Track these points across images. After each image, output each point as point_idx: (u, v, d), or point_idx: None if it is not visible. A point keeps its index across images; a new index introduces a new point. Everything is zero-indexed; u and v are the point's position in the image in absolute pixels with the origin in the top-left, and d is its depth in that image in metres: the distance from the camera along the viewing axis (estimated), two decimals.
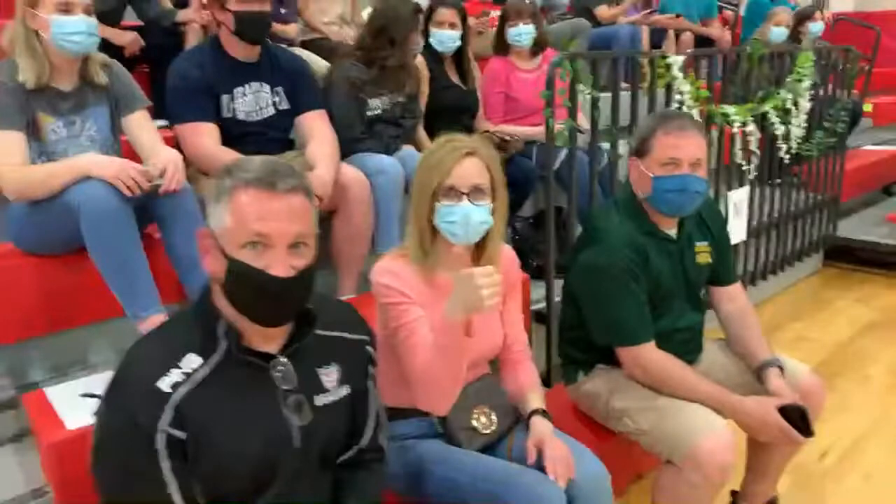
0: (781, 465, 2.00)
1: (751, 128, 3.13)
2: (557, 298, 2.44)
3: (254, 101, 2.33)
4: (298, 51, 3.06)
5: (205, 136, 2.20)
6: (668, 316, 1.86)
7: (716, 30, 5.36)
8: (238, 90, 2.30)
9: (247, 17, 2.23)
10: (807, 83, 3.46)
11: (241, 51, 2.30)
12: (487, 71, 3.16)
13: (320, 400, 1.25)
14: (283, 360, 1.21)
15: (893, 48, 6.17)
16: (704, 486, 1.68)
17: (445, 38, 2.90)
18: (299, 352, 1.22)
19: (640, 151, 1.81)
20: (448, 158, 1.49)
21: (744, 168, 3.24)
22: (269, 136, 2.39)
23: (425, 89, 2.85)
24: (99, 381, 1.86)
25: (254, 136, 2.34)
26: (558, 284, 2.43)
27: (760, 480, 1.99)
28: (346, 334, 1.32)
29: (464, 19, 2.92)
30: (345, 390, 1.30)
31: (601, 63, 2.63)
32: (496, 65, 3.15)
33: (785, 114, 3.40)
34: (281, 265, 1.11)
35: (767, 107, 3.27)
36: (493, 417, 1.64)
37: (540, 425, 1.58)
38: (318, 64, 3.04)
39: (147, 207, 1.91)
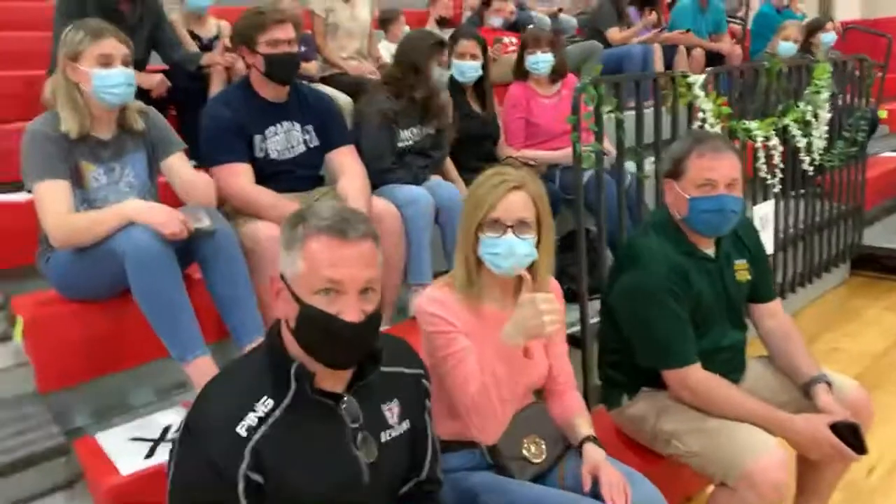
0: (833, 483, 1.97)
1: (773, 141, 3.14)
2: (591, 321, 2.45)
3: (285, 140, 2.37)
4: (319, 87, 3.12)
5: (241, 177, 2.24)
6: (710, 335, 1.85)
7: (726, 45, 5.39)
8: (270, 130, 2.34)
9: (276, 59, 2.28)
10: (825, 94, 3.47)
11: (271, 91, 2.34)
12: (508, 97, 3.20)
13: (385, 436, 1.27)
14: (347, 398, 1.22)
15: None
16: None
17: (467, 68, 2.95)
18: (364, 389, 1.24)
19: (675, 173, 1.83)
20: (495, 191, 1.51)
21: (768, 182, 3.24)
22: (300, 174, 2.42)
23: (453, 121, 2.89)
24: (146, 425, 1.88)
25: (285, 175, 2.37)
26: (591, 307, 2.45)
27: (812, 499, 1.96)
28: (404, 369, 1.34)
29: (484, 50, 2.97)
30: (406, 425, 1.31)
31: (624, 86, 2.65)
32: (517, 90, 3.19)
33: (805, 126, 3.40)
34: (353, 311, 1.14)
35: (788, 120, 3.28)
36: (543, 446, 1.64)
37: (594, 452, 1.57)
38: (340, 99, 3.09)
39: (189, 249, 1.94)
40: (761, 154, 3.16)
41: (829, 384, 1.84)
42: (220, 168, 2.24)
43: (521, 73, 3.21)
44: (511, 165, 1.70)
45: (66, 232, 1.87)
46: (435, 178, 2.74)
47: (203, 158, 2.32)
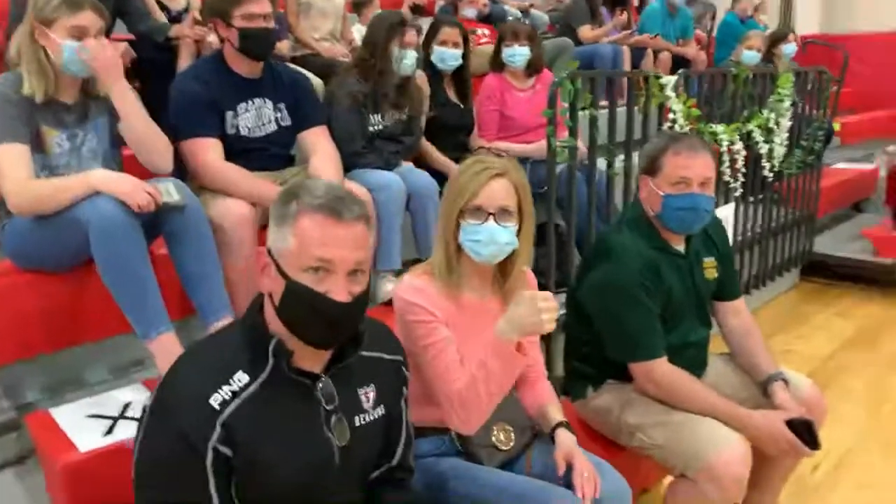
0: (785, 477, 2.04)
1: (738, 146, 3.22)
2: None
3: (256, 117, 2.32)
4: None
5: (210, 152, 2.17)
6: (678, 331, 1.89)
7: (691, 50, 5.51)
8: (241, 106, 2.28)
9: (251, 34, 2.22)
10: (787, 103, 3.58)
11: (245, 67, 2.29)
12: (483, 88, 3.19)
13: (359, 420, 1.26)
14: (324, 378, 1.21)
15: (857, 69, 6.41)
16: (719, 499, 1.71)
17: (448, 56, 2.93)
18: (342, 371, 1.23)
19: (650, 170, 1.85)
20: (477, 178, 1.50)
21: (731, 185, 3.32)
22: (271, 153, 2.37)
23: (426, 108, 2.87)
24: (103, 402, 1.82)
25: (256, 153, 2.32)
26: (557, 301, 2.47)
27: (766, 492, 2.02)
28: (384, 355, 1.33)
29: (465, 39, 2.96)
30: (381, 410, 1.31)
31: (598, 82, 2.68)
32: (492, 82, 3.19)
33: (768, 133, 3.50)
34: (341, 291, 1.13)
35: (752, 126, 3.36)
36: (512, 434, 1.65)
37: (567, 438, 1.59)
38: (311, 80, 3.03)
39: (154, 223, 1.88)
40: (726, 158, 3.24)
41: (785, 382, 1.90)
42: (190, 142, 2.18)
43: (497, 65, 3.20)
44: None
45: (27, 198, 1.79)
46: (406, 165, 2.72)
47: (171, 132, 2.24)
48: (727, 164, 3.23)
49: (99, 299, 1.86)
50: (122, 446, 1.59)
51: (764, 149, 3.49)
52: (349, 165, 2.49)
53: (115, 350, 2.13)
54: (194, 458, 1.09)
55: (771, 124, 3.51)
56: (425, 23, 3.18)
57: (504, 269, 1.60)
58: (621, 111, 2.74)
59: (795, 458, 1.96)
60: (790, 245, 4.19)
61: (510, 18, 4.55)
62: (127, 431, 1.64)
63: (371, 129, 2.64)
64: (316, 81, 3.09)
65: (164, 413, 1.13)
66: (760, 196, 3.73)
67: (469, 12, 4.51)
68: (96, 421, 1.71)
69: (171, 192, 1.86)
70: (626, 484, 1.56)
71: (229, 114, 2.25)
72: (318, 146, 2.38)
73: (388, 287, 2.44)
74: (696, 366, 1.96)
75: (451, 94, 3.04)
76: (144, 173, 2.01)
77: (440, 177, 2.65)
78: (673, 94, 2.79)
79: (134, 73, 2.95)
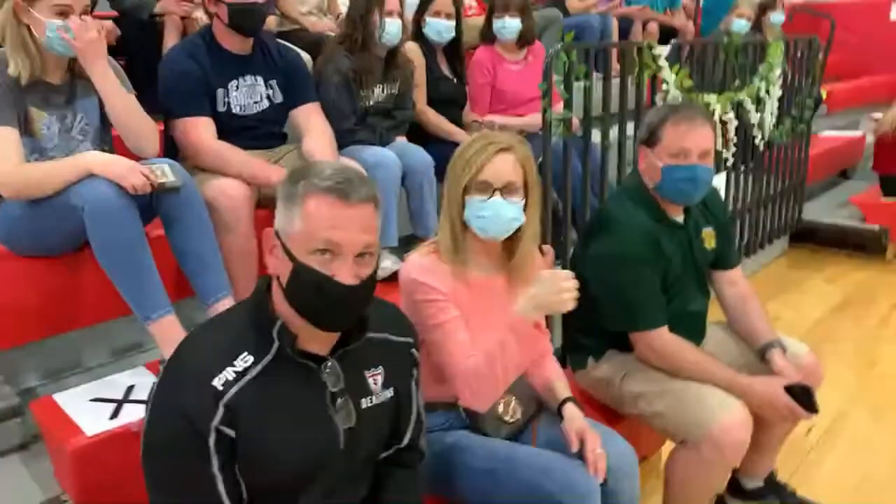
0: (782, 440, 2.08)
1: (729, 115, 3.22)
2: None
3: (248, 95, 2.28)
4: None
5: (203, 130, 2.14)
6: (678, 300, 1.90)
7: (679, 20, 5.47)
8: (232, 83, 2.24)
9: (241, 9, 2.17)
10: (777, 72, 3.58)
11: (235, 43, 2.25)
12: (474, 61, 3.15)
13: (366, 402, 1.25)
14: (330, 361, 1.20)
15: (842, 37, 6.41)
16: (720, 464, 1.74)
17: (442, 27, 2.88)
18: (348, 354, 1.22)
19: (650, 141, 1.85)
20: (482, 153, 1.49)
21: (723, 155, 3.33)
22: (264, 130, 2.35)
23: (420, 80, 2.83)
24: (106, 386, 1.81)
25: (248, 130, 2.29)
26: None
27: (764, 455, 2.06)
28: (392, 336, 1.32)
29: (458, 11, 2.91)
30: (389, 393, 1.30)
31: (591, 54, 2.67)
32: (483, 55, 3.15)
33: (759, 102, 3.50)
34: (348, 273, 1.12)
35: (743, 95, 3.36)
36: (518, 406, 1.66)
37: (576, 413, 1.59)
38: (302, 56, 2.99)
39: (150, 205, 1.85)
40: (718, 127, 3.24)
41: (783, 349, 1.92)
42: (182, 121, 2.15)
43: (487, 37, 3.17)
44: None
45: (19, 183, 1.76)
46: (401, 140, 2.70)
47: (163, 111, 2.21)
48: (720, 134, 3.23)
49: (96, 283, 1.84)
50: (129, 429, 1.59)
51: (755, 118, 3.49)
52: (342, 143, 2.46)
53: (114, 333, 2.12)
54: (198, 439, 1.08)
55: (762, 94, 3.51)
56: None
57: (510, 246, 1.60)
58: (614, 83, 2.73)
59: (792, 423, 2.00)
60: (780, 213, 4.23)
61: None
62: (132, 414, 1.64)
63: (362, 104, 2.61)
64: (305, 57, 3.05)
65: (168, 392, 1.12)
66: (751, 165, 3.75)
67: None
68: (101, 405, 1.70)
69: (166, 173, 1.83)
70: (633, 451, 1.58)
71: (220, 91, 2.22)
72: (312, 123, 2.36)
73: (385, 263, 2.43)
74: (696, 334, 1.98)
75: (445, 68, 3.01)
76: (135, 156, 1.98)
77: (437, 150, 2.62)
78: (666, 65, 2.77)
79: (119, 50, 2.89)
